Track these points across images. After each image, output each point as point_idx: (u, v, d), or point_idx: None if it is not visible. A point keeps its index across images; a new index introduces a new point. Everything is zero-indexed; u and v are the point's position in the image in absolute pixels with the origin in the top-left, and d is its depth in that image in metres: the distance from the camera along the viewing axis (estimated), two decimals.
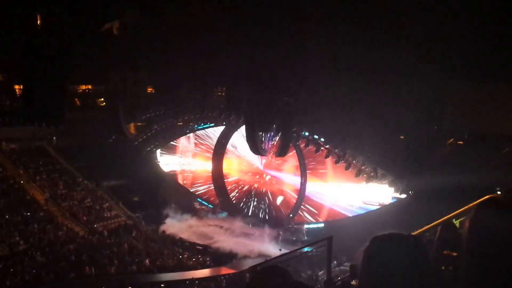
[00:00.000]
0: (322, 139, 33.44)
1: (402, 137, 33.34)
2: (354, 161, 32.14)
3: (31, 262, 26.20)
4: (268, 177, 39.56)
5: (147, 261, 27.99)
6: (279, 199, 38.57)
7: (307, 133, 34.30)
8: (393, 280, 1.87)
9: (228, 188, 41.04)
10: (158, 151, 42.73)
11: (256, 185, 39.98)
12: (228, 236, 33.41)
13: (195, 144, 42.75)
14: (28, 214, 31.45)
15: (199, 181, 42.67)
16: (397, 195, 31.57)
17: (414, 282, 1.88)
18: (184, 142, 42.86)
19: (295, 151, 36.75)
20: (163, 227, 34.55)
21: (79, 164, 38.77)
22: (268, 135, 34.05)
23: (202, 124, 40.97)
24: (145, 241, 32.03)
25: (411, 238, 2.02)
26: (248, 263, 26.67)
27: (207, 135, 42.11)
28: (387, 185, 32.01)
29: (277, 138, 32.00)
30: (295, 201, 38.24)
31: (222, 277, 26.99)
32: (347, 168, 32.50)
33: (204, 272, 28.02)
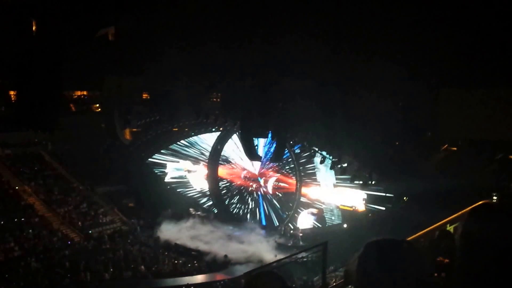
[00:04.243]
0: (316, 145, 33.44)
1: (397, 143, 33.40)
2: (349, 167, 32.16)
3: (26, 268, 26.13)
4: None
5: (142, 267, 27.96)
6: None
7: (301, 139, 34.29)
8: (388, 286, 1.87)
9: (223, 194, 41.03)
10: (154, 157, 42.69)
11: (251, 190, 39.93)
12: (223, 242, 33.31)
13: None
14: (23, 219, 31.37)
15: (194, 187, 42.59)
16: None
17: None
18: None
19: (289, 156, 36.81)
20: (158, 233, 34.46)
21: (74, 170, 38.72)
22: (264, 140, 34.11)
23: (197, 130, 40.97)
24: (140, 247, 31.98)
25: (404, 243, 2.01)
26: (244, 269, 26.67)
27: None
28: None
29: (272, 143, 32.01)
30: (290, 206, 38.18)
31: (218, 283, 27.01)
32: (341, 174, 32.52)
33: (199, 278, 28.00)
